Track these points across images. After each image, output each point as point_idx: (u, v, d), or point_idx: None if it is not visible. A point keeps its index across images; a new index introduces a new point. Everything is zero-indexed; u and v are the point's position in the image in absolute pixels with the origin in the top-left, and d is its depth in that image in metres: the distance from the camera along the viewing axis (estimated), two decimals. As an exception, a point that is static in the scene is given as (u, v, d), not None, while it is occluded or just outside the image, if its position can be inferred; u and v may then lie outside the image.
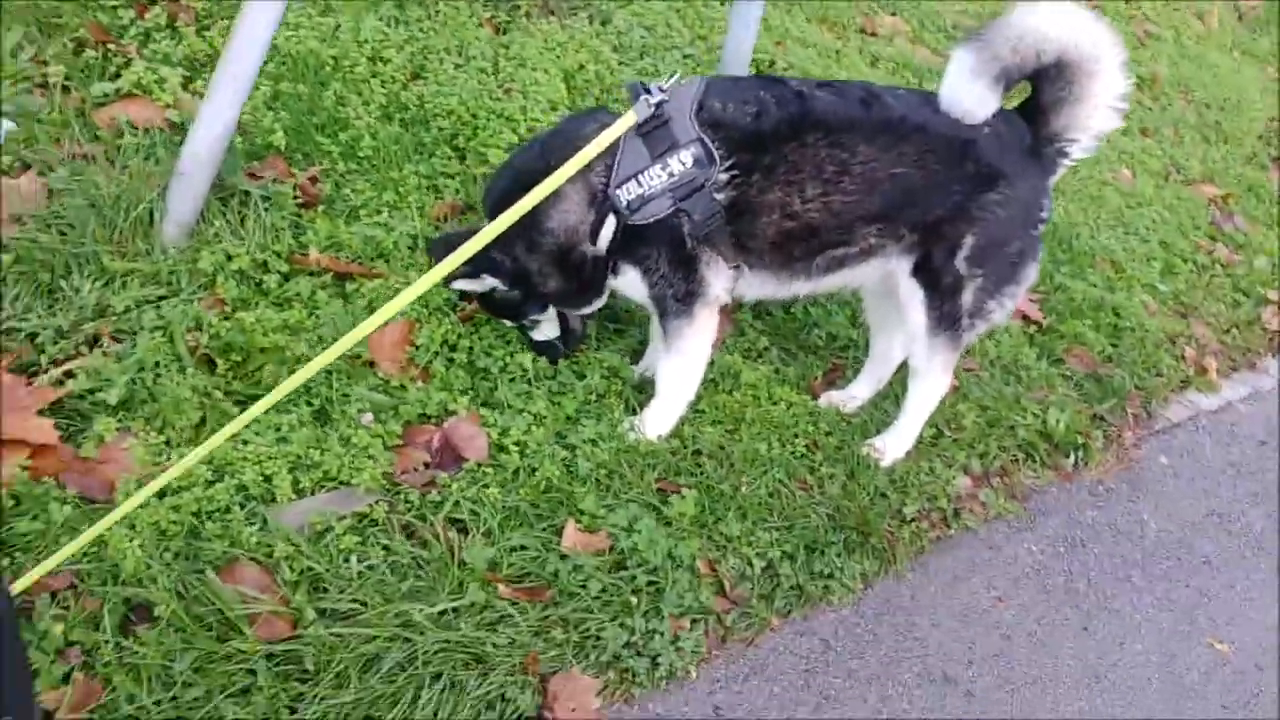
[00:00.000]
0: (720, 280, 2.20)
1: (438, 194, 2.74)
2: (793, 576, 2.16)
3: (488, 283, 2.20)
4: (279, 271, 2.35)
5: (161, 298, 2.22)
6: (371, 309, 2.33)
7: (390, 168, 2.72)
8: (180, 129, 2.48)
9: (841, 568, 2.22)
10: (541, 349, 2.38)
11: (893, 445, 2.48)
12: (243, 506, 1.90)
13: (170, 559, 1.78)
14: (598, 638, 1.91)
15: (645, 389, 2.41)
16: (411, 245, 2.54)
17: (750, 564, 2.14)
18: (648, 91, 2.08)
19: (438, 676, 1.75)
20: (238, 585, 1.75)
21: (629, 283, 2.22)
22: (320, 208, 2.55)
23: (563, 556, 1.99)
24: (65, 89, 2.56)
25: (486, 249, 2.00)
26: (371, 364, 2.27)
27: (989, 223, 2.21)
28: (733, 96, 2.13)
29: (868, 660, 2.10)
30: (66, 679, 1.59)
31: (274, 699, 1.63)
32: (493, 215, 2.25)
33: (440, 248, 2.42)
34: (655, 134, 2.08)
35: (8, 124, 2.50)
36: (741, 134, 2.11)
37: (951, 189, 2.19)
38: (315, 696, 1.65)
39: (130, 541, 1.76)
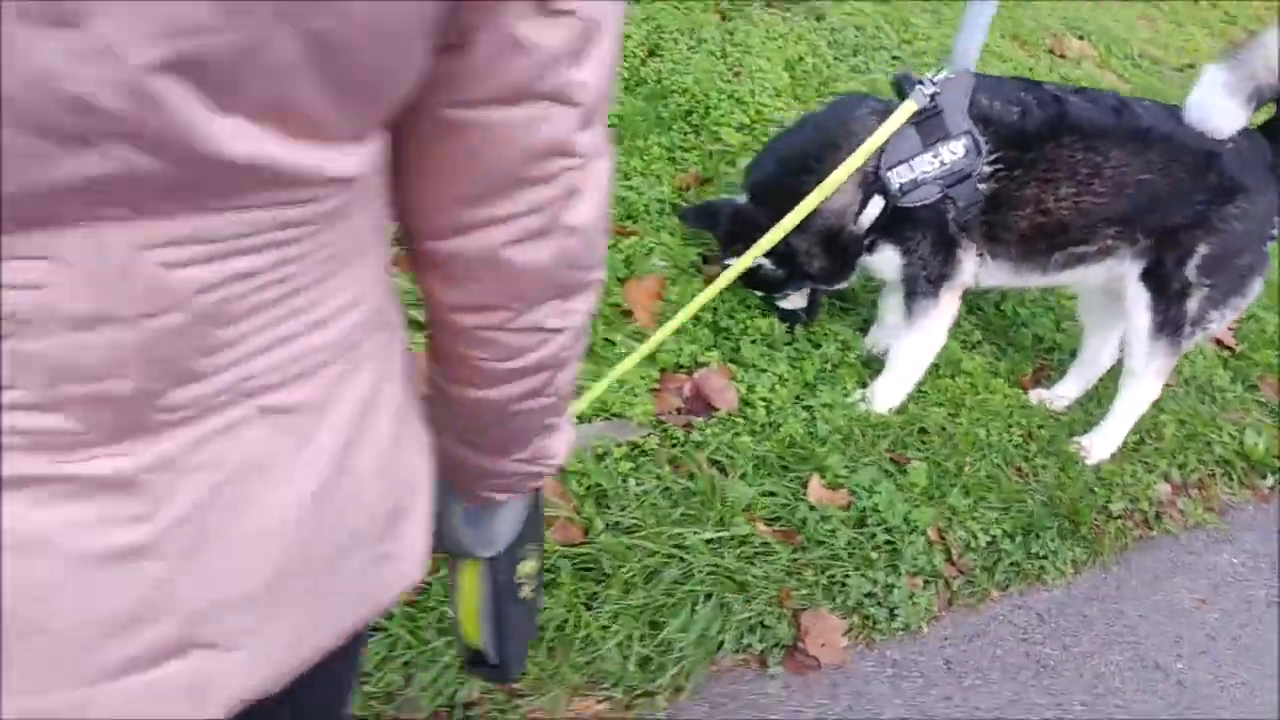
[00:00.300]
0: (970, 266, 2.32)
1: (677, 165, 2.90)
2: (1012, 553, 2.27)
3: (756, 261, 2.33)
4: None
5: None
6: (628, 262, 2.51)
7: (636, 137, 2.89)
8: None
9: (1055, 551, 2.32)
10: (786, 316, 2.52)
11: (1099, 444, 2.58)
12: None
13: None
14: (843, 584, 2.04)
15: (871, 365, 2.54)
16: (660, 209, 2.70)
17: (975, 537, 2.25)
18: (920, 83, 2.21)
19: (708, 596, 1.89)
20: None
21: (884, 260, 2.35)
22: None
23: (811, 507, 2.13)
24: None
25: (757, 232, 2.16)
26: (628, 313, 2.44)
27: (1225, 234, 2.30)
28: (999, 95, 2.25)
29: (1080, 639, 2.20)
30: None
31: (574, 594, 1.79)
32: (755, 196, 2.41)
33: (692, 216, 2.59)
34: (928, 123, 2.21)
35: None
36: (1008, 130, 2.23)
37: (1194, 198, 2.28)
38: (608, 597, 1.82)
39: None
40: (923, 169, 2.19)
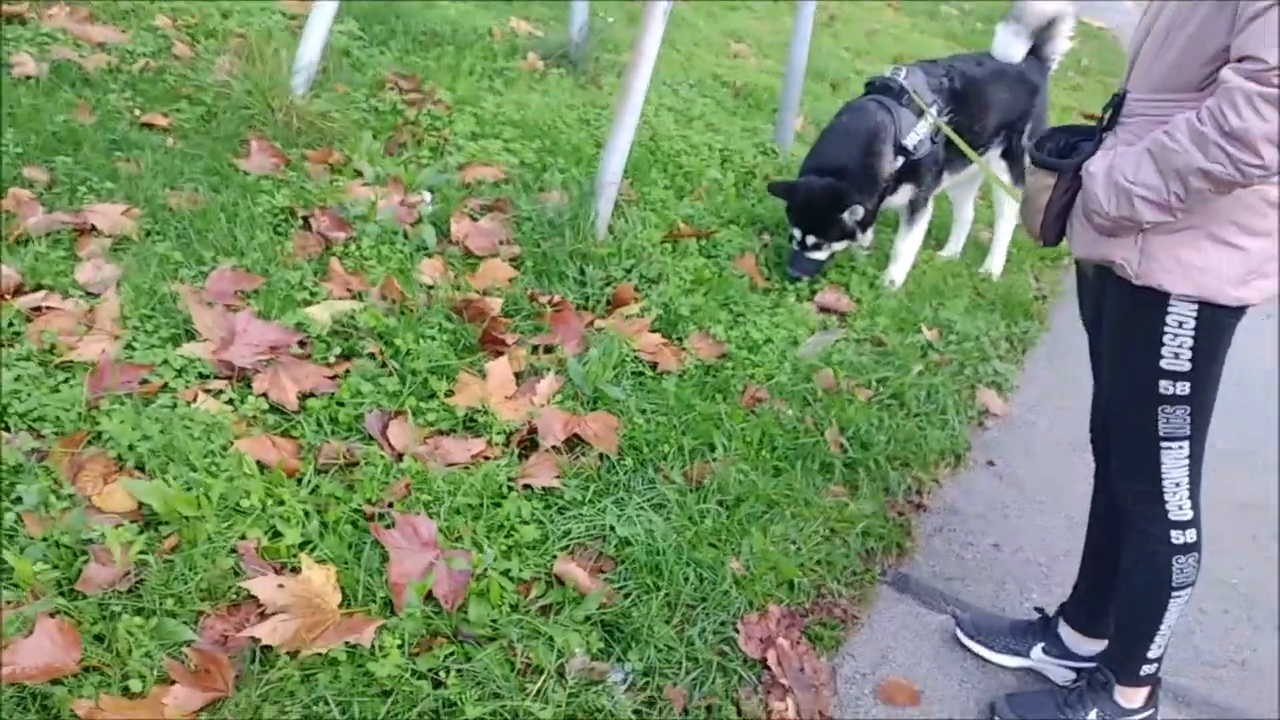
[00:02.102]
0: (942, 182, 3.82)
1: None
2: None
3: (859, 212, 3.59)
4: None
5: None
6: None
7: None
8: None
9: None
10: (812, 269, 3.72)
11: (997, 262, 4.21)
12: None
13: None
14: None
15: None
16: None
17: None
18: (891, 80, 3.61)
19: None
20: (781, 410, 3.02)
21: (902, 195, 3.74)
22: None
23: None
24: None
25: (852, 192, 3.47)
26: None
27: (1035, 113, 3.91)
28: (934, 74, 3.70)
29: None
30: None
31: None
32: (807, 172, 3.68)
33: (776, 188, 3.75)
34: (911, 103, 3.61)
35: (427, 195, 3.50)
36: (948, 94, 3.67)
37: (1021, 100, 3.88)
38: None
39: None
40: (921, 132, 3.62)
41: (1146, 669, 2.11)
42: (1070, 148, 1.92)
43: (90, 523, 2.06)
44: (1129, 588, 2.09)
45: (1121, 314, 1.90)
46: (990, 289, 4.01)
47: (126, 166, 3.25)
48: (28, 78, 3.57)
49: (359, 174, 3.56)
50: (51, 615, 1.88)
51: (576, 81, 4.85)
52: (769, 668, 2.19)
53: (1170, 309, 1.79)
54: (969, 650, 2.40)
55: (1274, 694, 2.44)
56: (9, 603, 1.88)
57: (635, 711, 2.01)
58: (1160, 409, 1.87)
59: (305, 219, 3.24)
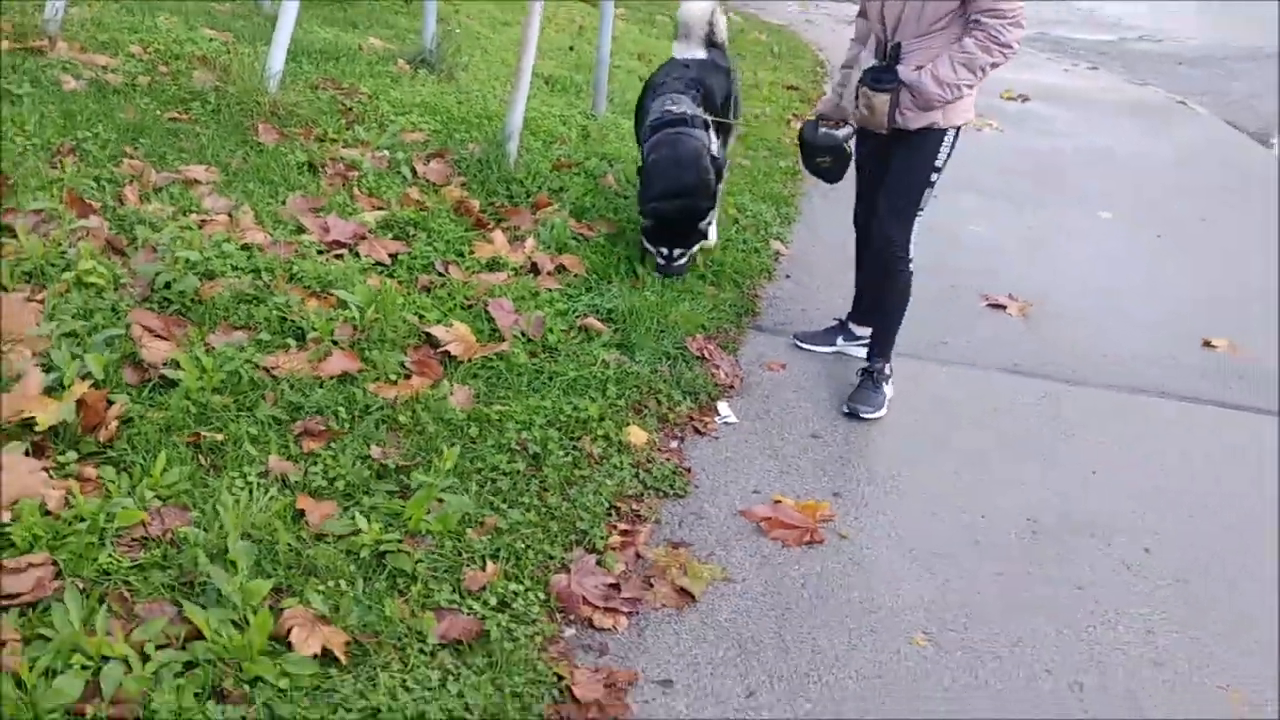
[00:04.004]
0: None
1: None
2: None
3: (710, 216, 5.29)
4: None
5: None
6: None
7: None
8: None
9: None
10: (682, 271, 5.40)
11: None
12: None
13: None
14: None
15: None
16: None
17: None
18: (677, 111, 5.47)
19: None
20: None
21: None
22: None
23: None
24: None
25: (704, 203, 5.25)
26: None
27: (732, 88, 5.78)
28: (686, 93, 5.41)
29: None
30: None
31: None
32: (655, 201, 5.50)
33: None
34: (696, 123, 5.43)
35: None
36: (700, 100, 5.53)
37: (724, 82, 5.83)
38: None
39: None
40: (716, 140, 5.41)
41: (893, 347, 3.97)
42: (878, 80, 3.58)
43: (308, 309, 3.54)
44: (888, 298, 3.93)
45: (918, 145, 3.57)
46: (759, 188, 5.97)
47: (183, 143, 4.60)
48: (73, 90, 4.81)
49: (335, 141, 5.04)
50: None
51: (437, 78, 6.44)
52: (706, 356, 3.97)
53: (946, 135, 3.59)
54: (802, 349, 4.27)
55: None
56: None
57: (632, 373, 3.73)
58: (925, 192, 3.71)
59: (315, 169, 4.71)
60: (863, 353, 4.09)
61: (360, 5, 8.14)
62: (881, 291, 3.95)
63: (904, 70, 3.50)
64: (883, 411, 3.83)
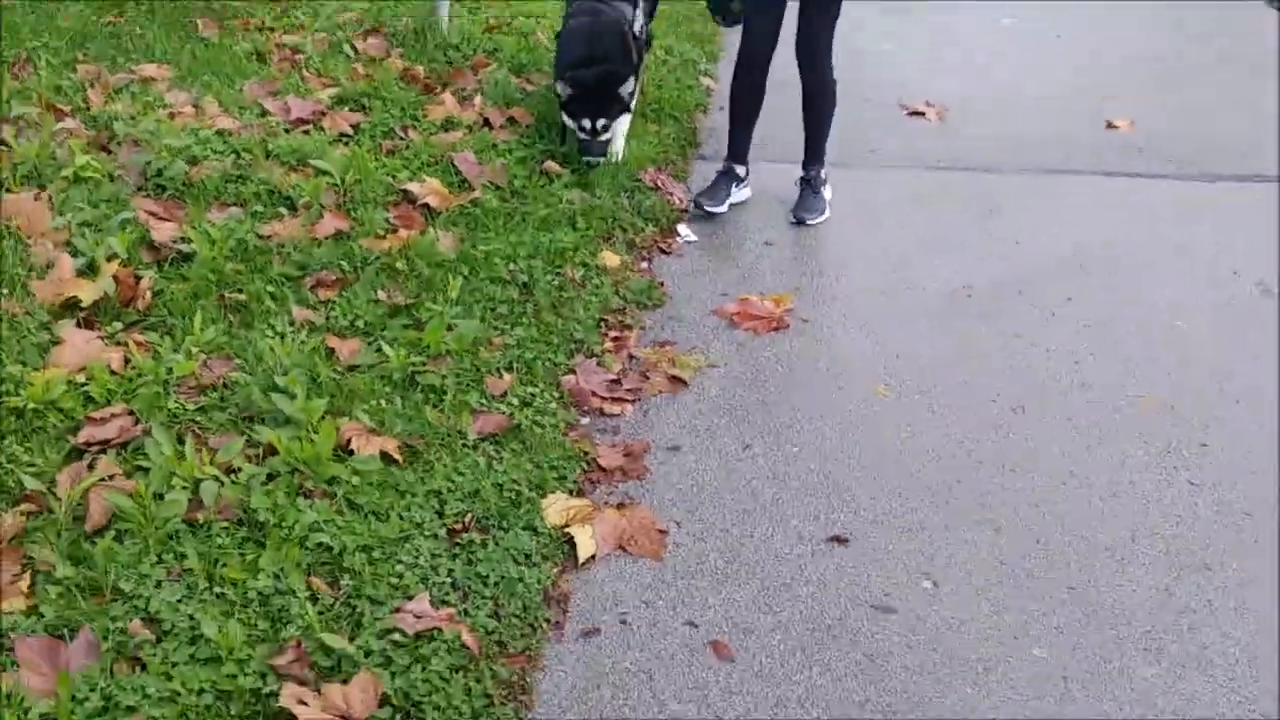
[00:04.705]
0: None
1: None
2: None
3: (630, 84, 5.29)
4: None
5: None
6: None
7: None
8: None
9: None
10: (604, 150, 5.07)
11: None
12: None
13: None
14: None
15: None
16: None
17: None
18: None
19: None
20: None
21: None
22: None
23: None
24: None
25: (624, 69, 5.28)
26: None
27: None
28: None
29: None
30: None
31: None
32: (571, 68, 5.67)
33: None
34: None
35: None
36: None
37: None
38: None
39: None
40: (639, 18, 5.35)
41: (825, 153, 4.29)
42: None
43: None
44: (822, 106, 4.24)
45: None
46: (683, 30, 6.22)
47: (128, 44, 4.74)
48: (7, 4, 4.90)
49: (274, 29, 5.19)
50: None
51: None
52: (660, 186, 4.30)
53: None
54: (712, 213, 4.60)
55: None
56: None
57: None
58: (840, 5, 3.97)
59: (262, 57, 4.89)
60: (748, 193, 4.33)
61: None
62: (813, 103, 4.22)
63: None
64: (826, 214, 4.20)
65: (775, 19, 4.02)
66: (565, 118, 4.18)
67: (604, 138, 4.16)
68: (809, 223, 4.16)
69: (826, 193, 4.25)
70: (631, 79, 4.16)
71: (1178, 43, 6.43)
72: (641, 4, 4.47)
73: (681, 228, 4.10)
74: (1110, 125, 5.14)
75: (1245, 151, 4.81)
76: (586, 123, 4.12)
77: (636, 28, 4.36)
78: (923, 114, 5.25)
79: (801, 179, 4.26)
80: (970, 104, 5.36)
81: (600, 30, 4.19)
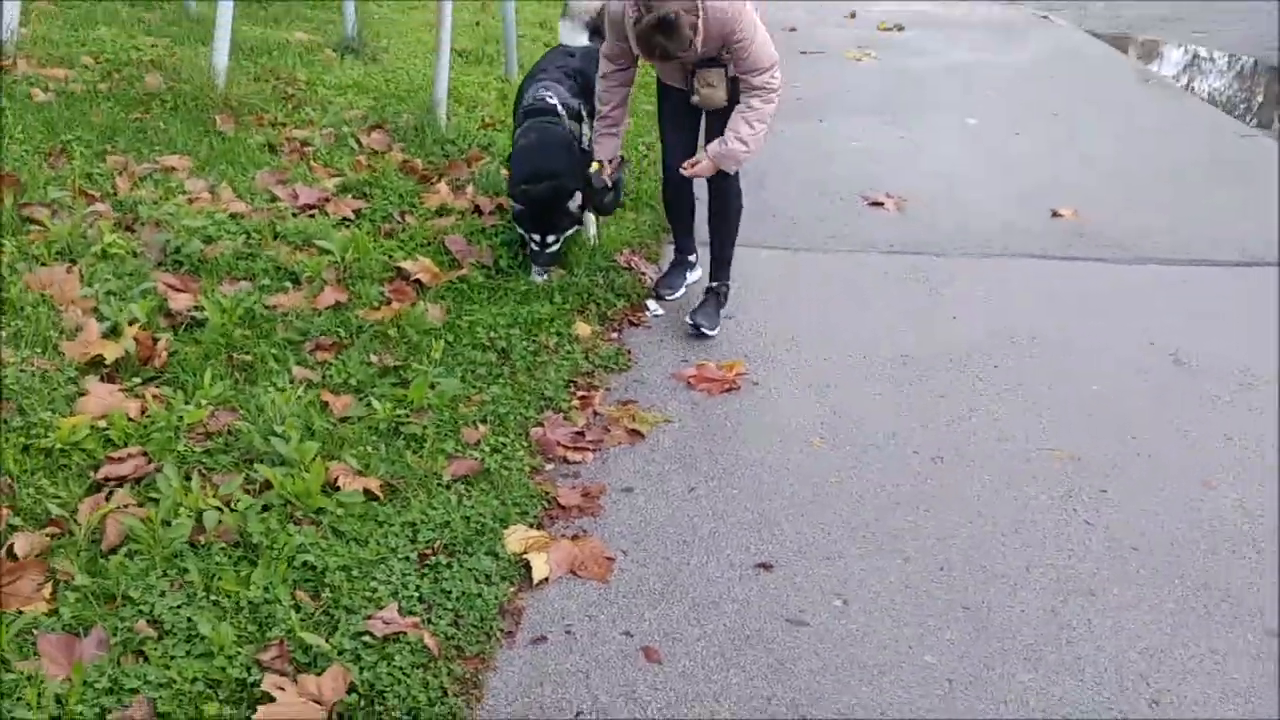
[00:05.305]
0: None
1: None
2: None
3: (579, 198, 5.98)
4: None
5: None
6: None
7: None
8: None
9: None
10: (552, 261, 5.93)
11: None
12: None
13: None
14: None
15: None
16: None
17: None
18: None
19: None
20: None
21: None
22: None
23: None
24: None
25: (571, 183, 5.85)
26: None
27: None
28: (564, 83, 5.82)
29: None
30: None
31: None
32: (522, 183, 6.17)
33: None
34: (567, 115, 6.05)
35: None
36: (578, 90, 6.04)
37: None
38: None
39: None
40: (586, 132, 5.83)
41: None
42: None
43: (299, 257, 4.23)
44: (732, 222, 4.47)
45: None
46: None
47: (152, 138, 5.23)
48: (45, 102, 5.41)
49: (285, 124, 5.69)
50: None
51: (363, 62, 7.09)
52: (633, 267, 4.72)
53: None
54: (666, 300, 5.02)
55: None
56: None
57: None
58: None
59: (274, 149, 5.37)
60: (699, 273, 4.59)
61: (275, 3, 8.71)
62: (724, 218, 4.27)
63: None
64: (719, 329, 4.23)
65: (691, 133, 4.20)
66: (519, 228, 4.36)
67: (553, 249, 4.33)
68: (705, 333, 4.18)
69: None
70: (579, 192, 4.26)
71: (1134, 140, 6.91)
72: (590, 120, 4.54)
73: (650, 303, 4.49)
74: (1055, 214, 5.56)
75: (1178, 236, 5.23)
76: (537, 236, 4.29)
77: (585, 142, 4.50)
78: (882, 204, 5.69)
79: (711, 289, 4.33)
80: (928, 195, 5.80)
81: (550, 146, 4.34)
